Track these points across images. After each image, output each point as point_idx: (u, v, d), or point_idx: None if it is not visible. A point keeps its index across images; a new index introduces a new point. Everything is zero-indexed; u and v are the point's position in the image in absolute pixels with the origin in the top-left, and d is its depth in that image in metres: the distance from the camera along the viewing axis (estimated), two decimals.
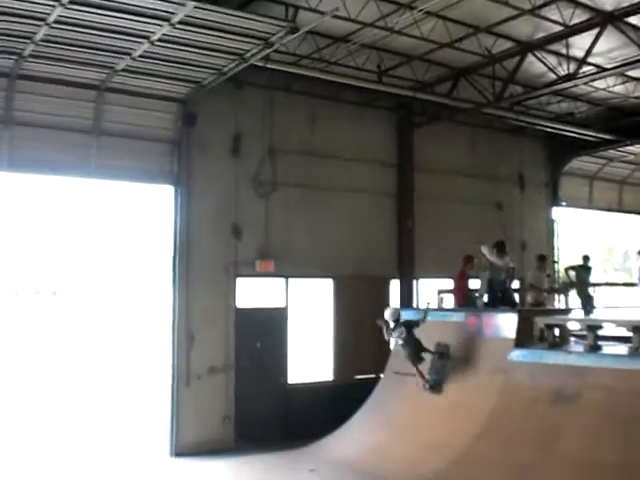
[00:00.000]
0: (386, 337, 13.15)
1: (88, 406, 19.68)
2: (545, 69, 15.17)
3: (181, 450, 13.97)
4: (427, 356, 12.81)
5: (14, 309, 69.29)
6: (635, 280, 16.96)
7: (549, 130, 19.09)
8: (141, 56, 12.10)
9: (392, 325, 12.94)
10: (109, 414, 18.22)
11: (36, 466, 12.94)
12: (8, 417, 17.60)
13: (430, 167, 17.70)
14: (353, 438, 13.26)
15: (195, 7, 10.31)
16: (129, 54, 12.02)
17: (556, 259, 20.94)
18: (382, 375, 14.71)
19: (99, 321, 56.47)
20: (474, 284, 15.36)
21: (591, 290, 17.48)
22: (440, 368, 13.00)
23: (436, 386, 12.85)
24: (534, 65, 15.21)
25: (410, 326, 12.87)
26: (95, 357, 32.68)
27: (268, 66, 13.77)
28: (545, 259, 16.86)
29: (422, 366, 12.74)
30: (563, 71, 14.89)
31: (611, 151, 20.93)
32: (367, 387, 14.50)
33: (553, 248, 20.90)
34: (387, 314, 13.08)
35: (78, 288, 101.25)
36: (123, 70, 12.79)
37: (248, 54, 12.08)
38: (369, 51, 14.65)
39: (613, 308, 16.67)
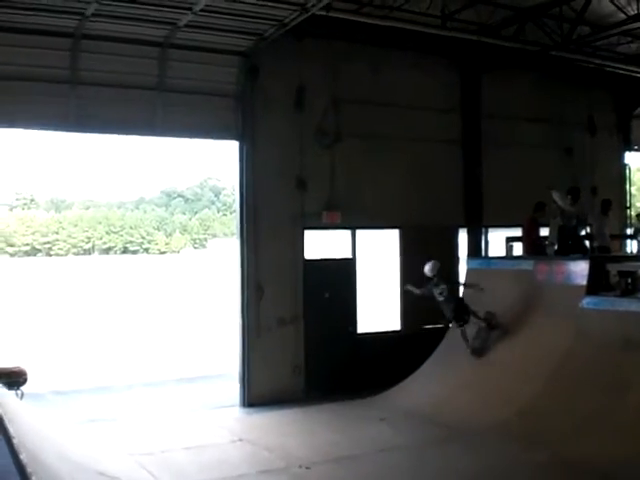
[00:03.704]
0: (418, 292, 13.43)
1: (162, 358, 20.18)
2: (614, 8, 14.65)
3: (252, 400, 14.21)
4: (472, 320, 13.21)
5: (86, 267, 71.32)
6: None
7: (619, 72, 18.44)
8: (202, 10, 12.07)
9: (434, 280, 13.11)
10: (183, 367, 18.64)
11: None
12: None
13: (497, 113, 17.30)
14: (422, 388, 13.32)
15: None
16: (190, 9, 12.01)
17: (628, 205, 20.45)
18: (450, 325, 14.69)
19: (172, 275, 57.65)
20: (544, 232, 15.14)
21: None
22: (485, 337, 13.22)
23: (477, 352, 13.14)
24: (602, 4, 14.69)
25: (452, 284, 13.24)
26: (169, 310, 33.41)
27: (330, 15, 13.54)
28: (607, 204, 16.36)
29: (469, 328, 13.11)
30: (632, 11, 14.33)
31: None
32: (435, 337, 14.53)
33: (625, 193, 20.38)
34: (427, 268, 13.22)
35: (149, 242, 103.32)
36: (186, 26, 12.80)
37: (309, 4, 11.95)
38: None
39: None
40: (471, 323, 13.22)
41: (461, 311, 13.07)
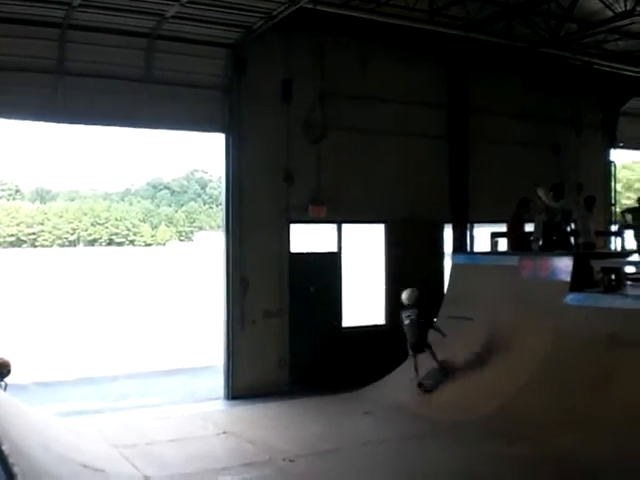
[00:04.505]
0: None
1: (146, 350, 20.15)
2: (601, 6, 14.70)
3: (237, 393, 14.22)
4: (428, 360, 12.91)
5: (71, 259, 71.03)
6: None
7: (606, 69, 18.50)
8: (190, 2, 12.04)
9: (408, 306, 13.01)
10: (168, 359, 18.62)
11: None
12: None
13: (484, 109, 17.33)
14: (407, 382, 13.33)
15: None
16: (177, 0, 11.97)
17: (613, 201, 20.55)
18: (435, 319, 14.73)
19: (158, 268, 57.49)
20: (529, 227, 15.20)
21: None
22: (439, 379, 12.91)
23: (425, 388, 12.85)
24: (590, 1, 14.75)
25: (422, 315, 12.96)
26: (155, 302, 33.35)
27: (318, 8, 13.50)
28: (591, 200, 16.34)
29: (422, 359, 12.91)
30: (620, 8, 14.40)
31: None
32: None
33: (610, 190, 20.48)
34: (404, 296, 13.20)
35: (135, 235, 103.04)
36: (173, 17, 12.75)
37: None
38: None
39: None
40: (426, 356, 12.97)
41: (422, 342, 12.91)
